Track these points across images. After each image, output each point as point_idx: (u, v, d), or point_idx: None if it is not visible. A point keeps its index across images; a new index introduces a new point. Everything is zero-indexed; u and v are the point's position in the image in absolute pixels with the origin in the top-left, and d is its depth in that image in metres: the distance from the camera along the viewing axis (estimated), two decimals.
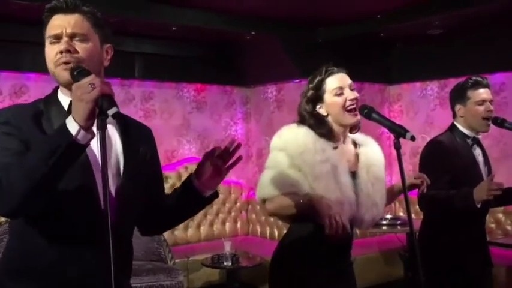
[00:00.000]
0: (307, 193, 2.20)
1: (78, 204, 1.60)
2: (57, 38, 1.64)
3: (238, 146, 1.75)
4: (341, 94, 2.28)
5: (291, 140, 2.29)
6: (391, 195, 2.51)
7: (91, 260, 1.60)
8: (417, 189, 2.46)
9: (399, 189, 2.44)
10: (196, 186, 1.79)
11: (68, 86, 1.62)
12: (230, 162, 1.76)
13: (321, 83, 2.31)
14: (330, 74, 2.31)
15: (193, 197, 1.81)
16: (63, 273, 1.61)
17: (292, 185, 2.24)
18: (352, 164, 2.35)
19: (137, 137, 1.79)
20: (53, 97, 1.73)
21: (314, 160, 2.23)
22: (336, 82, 2.30)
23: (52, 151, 1.42)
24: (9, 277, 1.65)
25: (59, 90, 1.73)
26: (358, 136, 2.44)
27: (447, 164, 2.85)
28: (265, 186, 2.29)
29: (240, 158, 1.77)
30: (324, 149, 2.26)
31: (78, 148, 1.45)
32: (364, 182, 2.31)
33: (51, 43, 1.65)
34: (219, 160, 1.75)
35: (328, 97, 2.30)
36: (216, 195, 1.85)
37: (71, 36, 1.64)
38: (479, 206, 2.70)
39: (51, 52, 1.65)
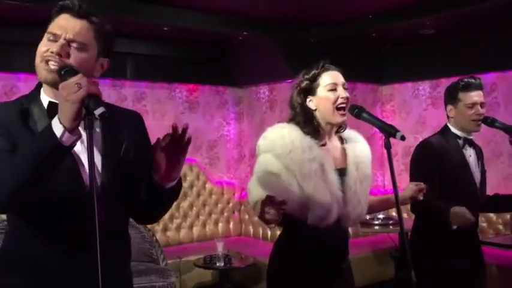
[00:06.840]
0: None
1: (66, 202, 1.60)
2: (56, 37, 1.62)
3: (186, 127, 1.57)
4: (334, 90, 2.28)
5: (277, 140, 2.26)
6: (387, 204, 2.61)
7: (81, 257, 1.59)
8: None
9: (403, 197, 2.42)
10: (156, 180, 1.63)
11: (49, 84, 1.62)
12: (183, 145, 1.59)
13: (316, 76, 2.32)
14: (326, 69, 2.32)
15: (156, 190, 1.66)
16: (54, 268, 1.61)
17: (285, 190, 2.18)
18: (339, 161, 2.34)
19: (120, 127, 1.73)
20: (35, 95, 1.70)
21: (302, 158, 2.21)
22: (331, 78, 2.31)
23: (37, 153, 1.42)
24: (3, 270, 1.65)
25: (42, 89, 1.71)
26: (344, 132, 2.43)
27: (436, 165, 2.87)
28: (254, 191, 2.22)
29: (189, 140, 1.58)
30: (311, 147, 2.25)
31: (63, 150, 1.44)
32: (353, 179, 2.31)
33: (48, 39, 1.62)
34: (170, 147, 1.57)
35: (321, 91, 2.30)
36: (178, 184, 1.71)
37: (69, 42, 1.61)
38: (454, 228, 2.71)
39: (44, 47, 1.62)
